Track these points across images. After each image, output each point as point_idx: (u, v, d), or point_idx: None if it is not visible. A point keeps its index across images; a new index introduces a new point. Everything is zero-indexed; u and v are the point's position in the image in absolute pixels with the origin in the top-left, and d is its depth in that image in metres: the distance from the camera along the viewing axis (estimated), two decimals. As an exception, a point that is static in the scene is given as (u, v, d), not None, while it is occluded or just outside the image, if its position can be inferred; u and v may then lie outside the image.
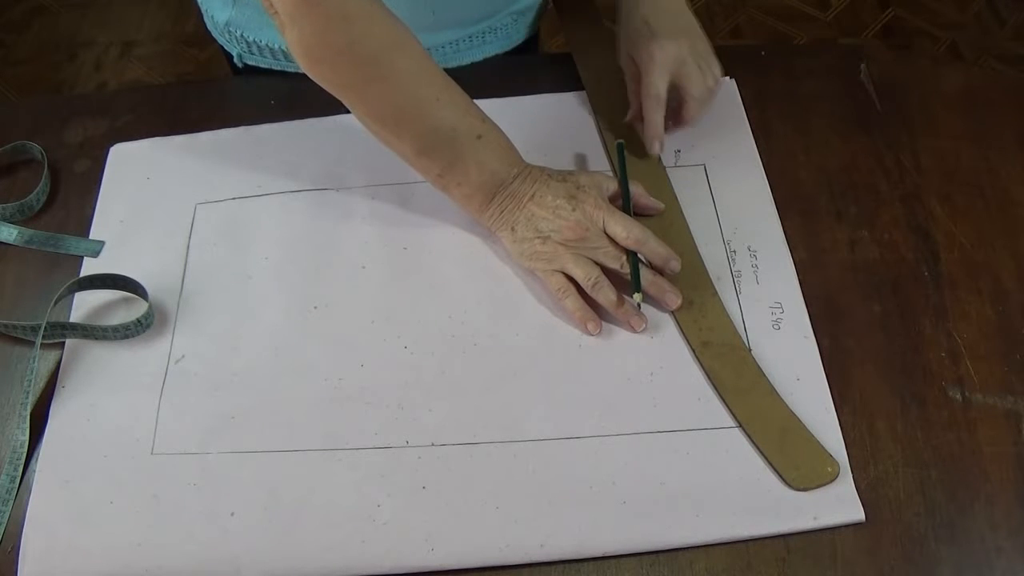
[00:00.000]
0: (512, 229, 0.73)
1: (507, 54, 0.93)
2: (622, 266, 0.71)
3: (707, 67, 0.79)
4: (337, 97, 0.71)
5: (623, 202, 0.75)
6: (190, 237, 0.79)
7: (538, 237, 0.72)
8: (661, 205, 0.77)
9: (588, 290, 0.71)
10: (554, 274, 0.72)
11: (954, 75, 0.88)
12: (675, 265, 0.72)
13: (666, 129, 0.79)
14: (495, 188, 0.72)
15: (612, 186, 0.75)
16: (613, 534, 0.61)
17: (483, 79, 0.80)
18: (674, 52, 0.77)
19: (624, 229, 0.71)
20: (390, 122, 0.71)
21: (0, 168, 0.85)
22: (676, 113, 0.80)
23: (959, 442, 0.65)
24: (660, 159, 0.81)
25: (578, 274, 0.71)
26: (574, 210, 0.71)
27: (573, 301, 0.71)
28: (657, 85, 0.77)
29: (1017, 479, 0.63)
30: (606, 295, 0.71)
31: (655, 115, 0.78)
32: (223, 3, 0.88)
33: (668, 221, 0.77)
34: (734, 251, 0.75)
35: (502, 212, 0.73)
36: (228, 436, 0.67)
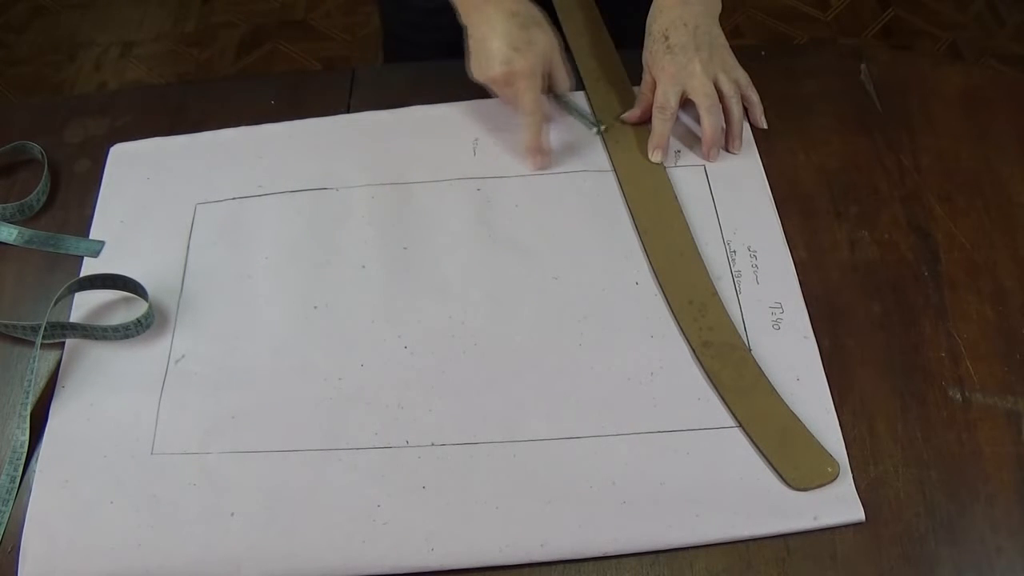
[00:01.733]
0: (470, 37, 0.79)
1: None
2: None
3: (727, 80, 0.79)
4: None
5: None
6: (190, 237, 0.79)
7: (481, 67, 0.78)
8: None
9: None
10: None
11: (954, 75, 0.88)
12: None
13: (710, 156, 0.80)
14: None
15: (558, 62, 0.80)
16: (613, 534, 0.61)
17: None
18: (687, 66, 0.78)
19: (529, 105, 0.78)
20: None
21: (0, 168, 0.85)
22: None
23: (959, 442, 0.65)
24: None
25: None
26: (508, 62, 0.76)
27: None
28: (667, 96, 0.79)
29: (1017, 479, 0.63)
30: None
31: (661, 125, 0.80)
32: None
33: (668, 221, 0.77)
34: (734, 251, 0.75)
35: (466, 19, 0.79)
36: (228, 436, 0.67)
